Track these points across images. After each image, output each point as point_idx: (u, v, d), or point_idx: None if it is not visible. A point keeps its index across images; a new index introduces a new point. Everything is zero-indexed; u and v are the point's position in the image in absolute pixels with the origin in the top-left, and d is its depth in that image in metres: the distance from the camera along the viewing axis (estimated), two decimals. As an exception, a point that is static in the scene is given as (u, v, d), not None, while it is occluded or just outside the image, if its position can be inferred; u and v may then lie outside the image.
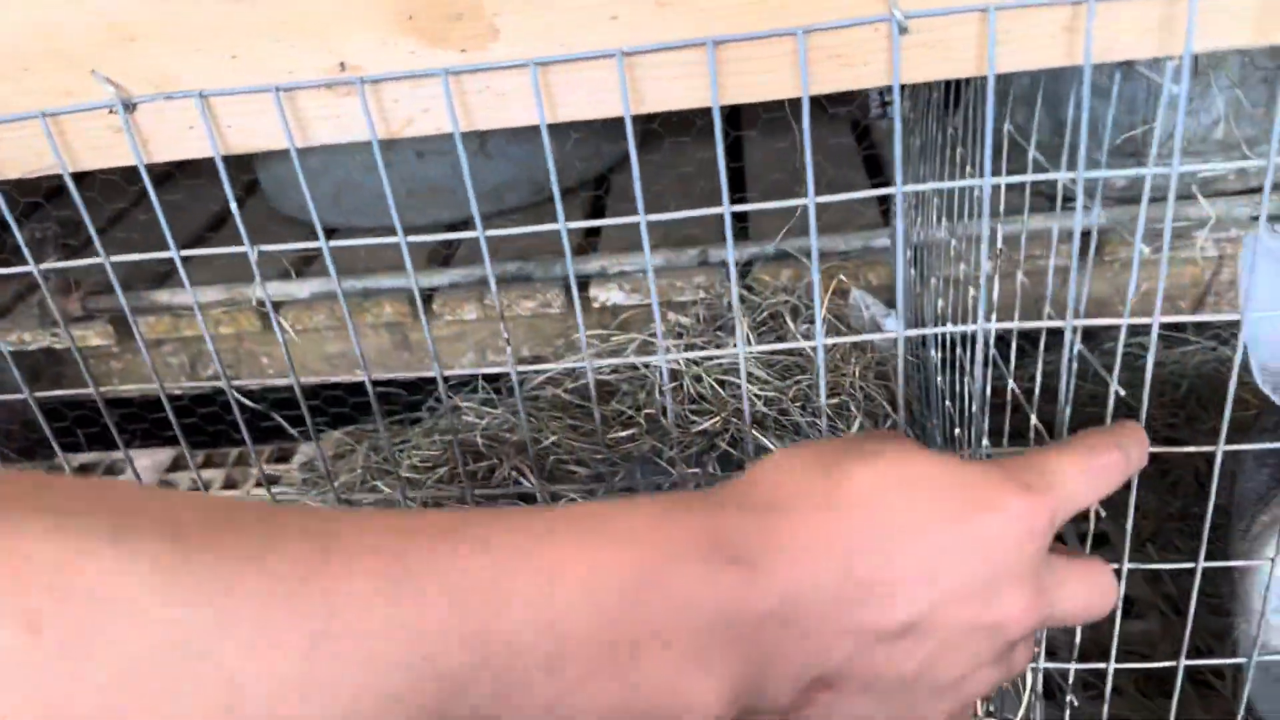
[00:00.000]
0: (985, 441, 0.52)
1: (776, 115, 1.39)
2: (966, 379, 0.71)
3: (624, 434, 1.13)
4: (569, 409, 1.19)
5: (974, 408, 0.64)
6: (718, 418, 1.06)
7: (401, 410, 1.48)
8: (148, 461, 1.39)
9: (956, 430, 0.77)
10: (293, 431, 1.48)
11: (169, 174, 1.51)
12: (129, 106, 0.43)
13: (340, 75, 0.42)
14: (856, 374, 0.99)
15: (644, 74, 0.41)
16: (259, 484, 1.34)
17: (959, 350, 0.74)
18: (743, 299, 1.21)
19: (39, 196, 1.47)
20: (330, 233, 1.50)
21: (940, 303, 0.78)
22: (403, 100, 0.43)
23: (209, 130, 0.44)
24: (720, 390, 1.06)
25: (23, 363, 1.45)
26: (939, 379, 0.80)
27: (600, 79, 0.41)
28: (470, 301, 1.32)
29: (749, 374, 1.05)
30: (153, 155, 0.44)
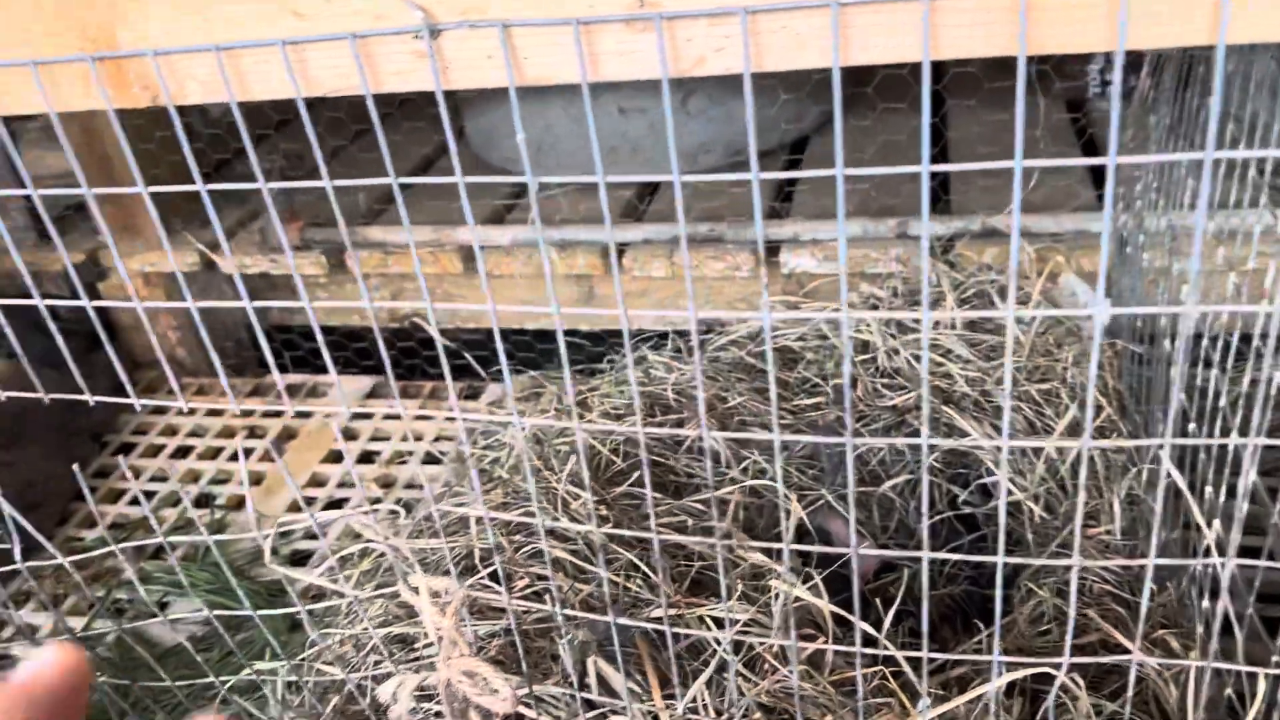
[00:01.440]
0: (1262, 438, 0.49)
1: (994, 86, 1.33)
2: (1213, 373, 0.68)
3: (809, 402, 1.12)
4: (752, 372, 1.19)
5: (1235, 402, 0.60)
6: (910, 393, 1.03)
7: (585, 360, 1.51)
8: (348, 388, 1.48)
9: (1190, 425, 0.73)
10: (481, 371, 1.54)
11: (388, 114, 1.59)
12: (434, 33, 0.45)
13: (640, 10, 0.42)
14: (1070, 359, 0.95)
15: (946, 19, 0.41)
16: (451, 418, 1.40)
17: (1204, 343, 0.70)
18: (940, 277, 1.18)
19: (267, 128, 1.57)
20: (525, 187, 1.54)
21: (1184, 289, 0.74)
22: (696, 39, 0.43)
23: (507, 60, 0.45)
24: (915, 365, 1.04)
25: (254, 288, 1.56)
26: (1173, 371, 0.75)
27: (900, 23, 0.41)
28: (659, 259, 1.33)
29: (949, 352, 1.03)
30: (451, 82, 0.47)
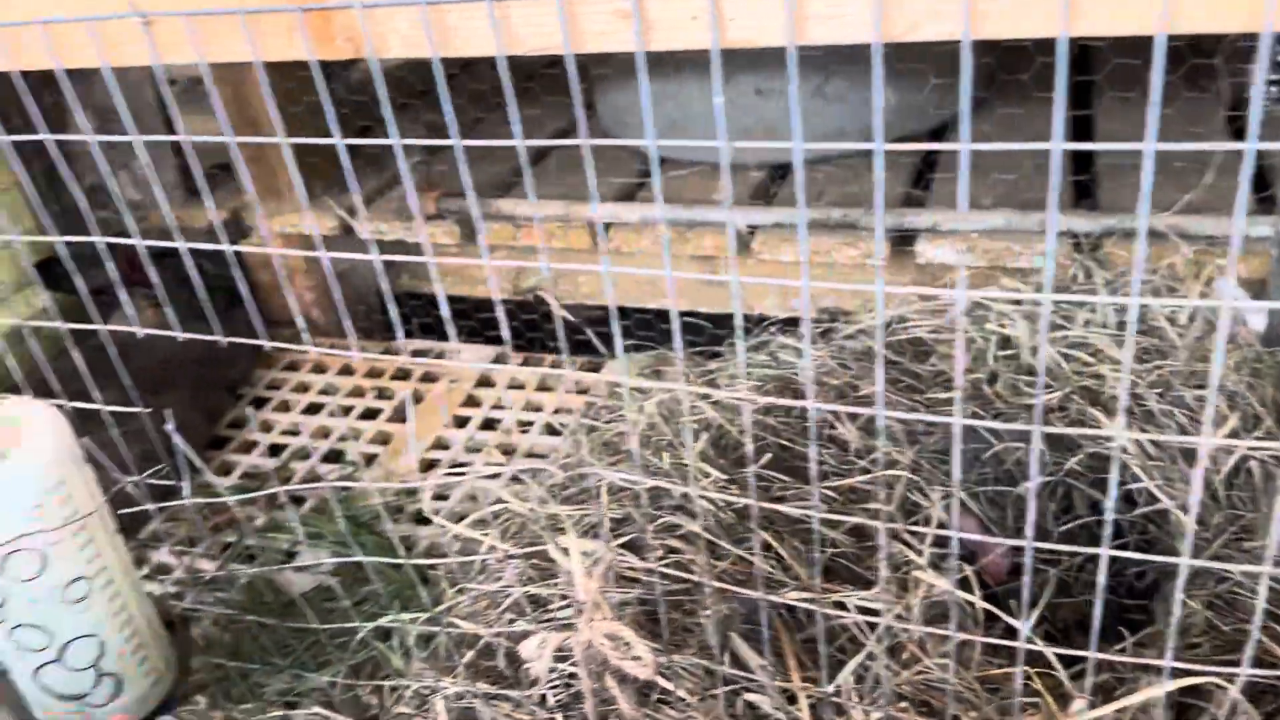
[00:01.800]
0: None
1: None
2: None
3: (944, 395, 1.09)
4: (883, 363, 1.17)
5: None
6: (1055, 392, 1.00)
7: (704, 342, 1.51)
8: (472, 356, 1.51)
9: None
10: (601, 346, 1.55)
11: (527, 87, 1.61)
12: (641, -7, 0.45)
13: (858, -28, 0.42)
14: (1231, 367, 0.90)
15: (1188, -10, 0.39)
16: (569, 390, 1.42)
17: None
18: (1089, 274, 1.14)
19: (409, 97, 1.60)
20: (659, 163, 1.54)
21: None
22: (910, 2, 0.42)
23: (713, 21, 0.45)
24: (1063, 364, 1.00)
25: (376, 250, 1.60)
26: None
27: (1136, -8, 0.39)
28: (790, 243, 1.32)
29: (1098, 351, 0.99)
30: (651, 43, 0.47)
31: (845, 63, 1.37)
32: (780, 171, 1.46)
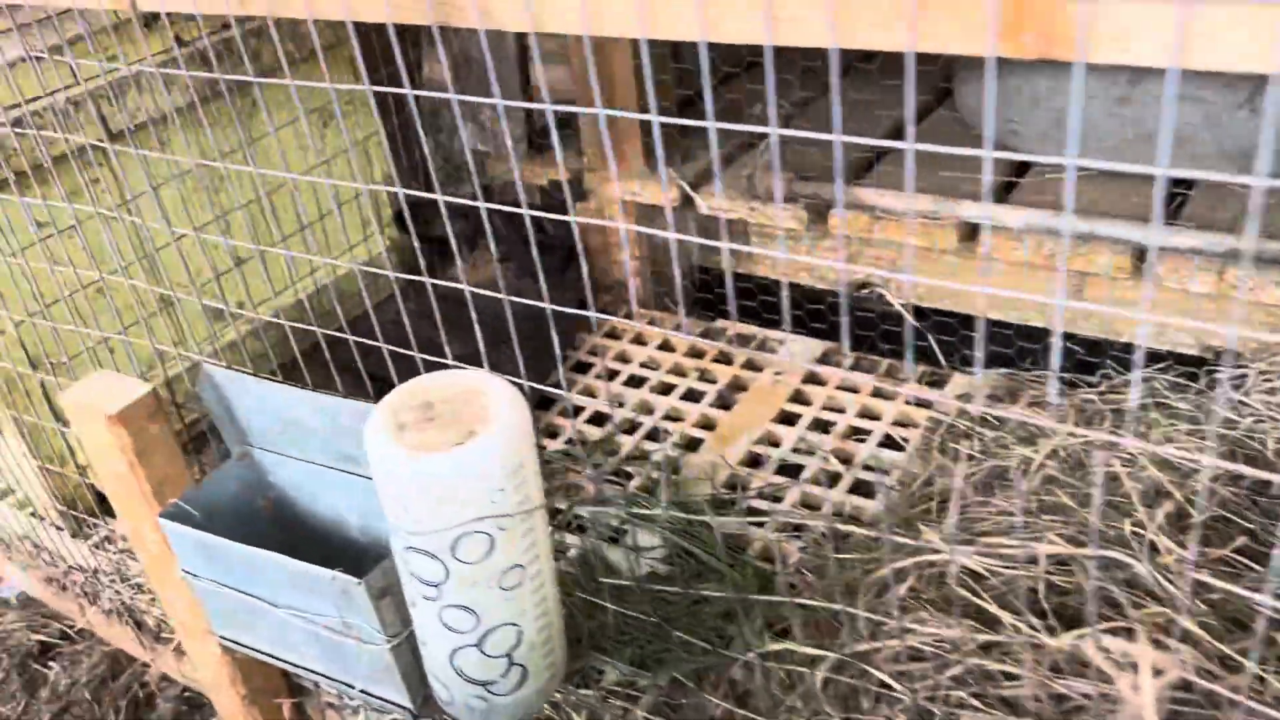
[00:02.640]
0: None
1: None
2: None
3: None
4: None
5: None
6: None
7: (1069, 368, 1.37)
8: (800, 348, 1.42)
9: None
10: (942, 358, 1.43)
11: (850, 67, 1.49)
12: None
13: None
14: None
15: None
16: (908, 402, 1.31)
17: None
18: None
19: (735, 67, 1.52)
20: (1028, 166, 1.40)
21: None
22: None
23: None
24: None
25: (710, 229, 1.53)
26: None
27: None
28: (1204, 272, 1.16)
29: None
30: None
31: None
32: (1187, 183, 1.29)
